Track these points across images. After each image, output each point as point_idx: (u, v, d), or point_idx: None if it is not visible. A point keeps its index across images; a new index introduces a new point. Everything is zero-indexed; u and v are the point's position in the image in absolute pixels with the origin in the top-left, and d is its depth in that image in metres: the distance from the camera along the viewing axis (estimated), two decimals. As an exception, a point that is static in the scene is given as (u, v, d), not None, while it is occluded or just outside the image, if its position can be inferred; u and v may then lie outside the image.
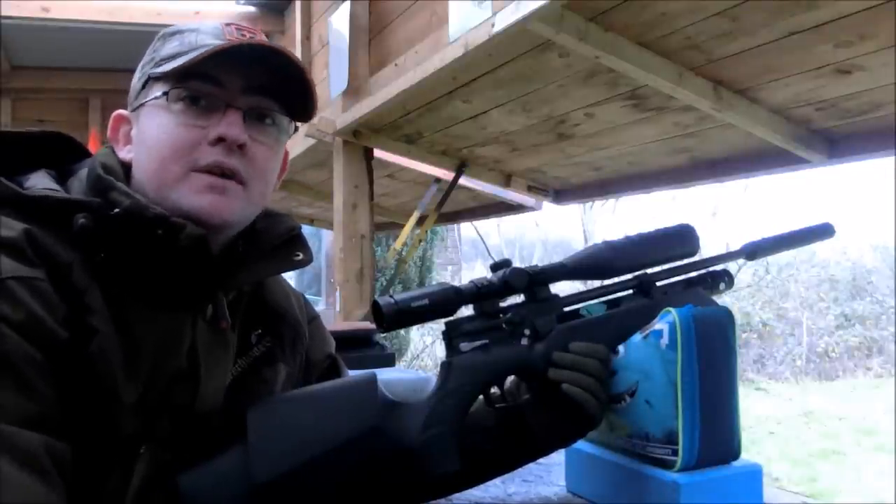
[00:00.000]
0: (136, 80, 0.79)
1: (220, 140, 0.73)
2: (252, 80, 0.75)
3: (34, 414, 0.59)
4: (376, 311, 0.79)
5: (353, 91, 2.70)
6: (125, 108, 0.81)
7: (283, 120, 0.80)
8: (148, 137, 0.75)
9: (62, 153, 0.79)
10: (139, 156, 0.76)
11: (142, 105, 0.77)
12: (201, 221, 0.72)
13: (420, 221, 3.41)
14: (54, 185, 0.72)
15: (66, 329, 0.64)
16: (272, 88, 0.77)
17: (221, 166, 0.73)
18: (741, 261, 1.02)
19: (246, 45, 0.74)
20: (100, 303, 0.67)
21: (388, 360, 1.89)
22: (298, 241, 0.83)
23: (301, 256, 0.82)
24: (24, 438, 0.58)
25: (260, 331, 0.84)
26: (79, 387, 0.65)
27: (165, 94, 0.74)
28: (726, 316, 0.89)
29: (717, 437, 0.87)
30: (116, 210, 0.69)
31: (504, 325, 0.85)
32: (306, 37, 3.41)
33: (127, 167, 0.77)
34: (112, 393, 0.67)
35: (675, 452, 0.85)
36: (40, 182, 0.72)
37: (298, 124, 0.84)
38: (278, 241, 0.82)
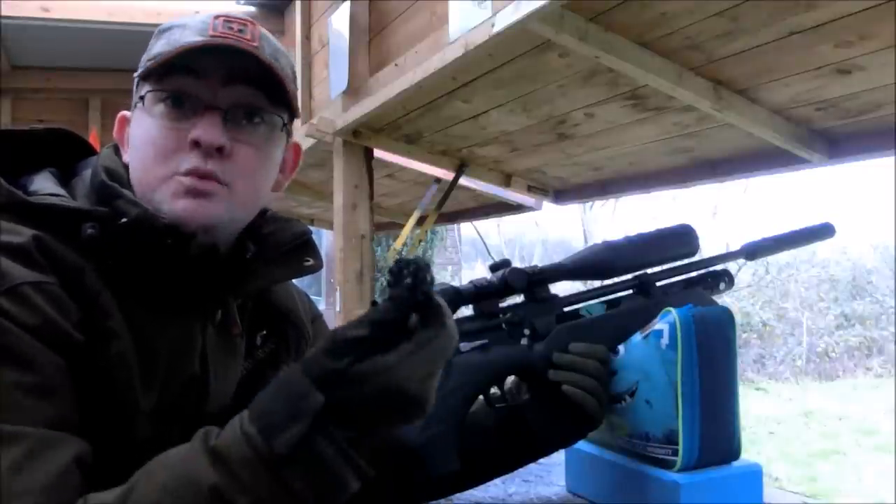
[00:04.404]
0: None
1: (196, 144, 0.70)
2: (234, 71, 0.72)
3: (57, 418, 0.58)
4: None
5: (353, 91, 2.69)
6: (125, 108, 0.80)
7: (274, 116, 0.76)
8: (135, 141, 0.74)
9: (67, 151, 0.78)
10: (131, 158, 0.75)
11: (134, 107, 0.75)
12: (180, 227, 0.70)
13: (420, 221, 3.40)
14: (59, 190, 0.71)
15: (81, 333, 0.63)
16: (259, 78, 0.73)
17: (199, 172, 0.71)
18: (741, 261, 1.02)
19: (218, 44, 0.70)
20: (114, 308, 0.67)
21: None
22: (308, 247, 0.81)
23: (311, 262, 0.80)
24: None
25: (265, 332, 0.84)
26: (96, 391, 0.64)
27: (142, 98, 0.72)
28: (726, 316, 0.89)
29: (717, 437, 0.87)
30: (124, 220, 0.68)
31: (503, 326, 0.85)
32: (306, 37, 3.40)
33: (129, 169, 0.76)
34: (130, 399, 0.66)
35: (675, 452, 0.85)
36: (45, 186, 0.71)
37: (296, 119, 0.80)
38: (288, 247, 0.80)
